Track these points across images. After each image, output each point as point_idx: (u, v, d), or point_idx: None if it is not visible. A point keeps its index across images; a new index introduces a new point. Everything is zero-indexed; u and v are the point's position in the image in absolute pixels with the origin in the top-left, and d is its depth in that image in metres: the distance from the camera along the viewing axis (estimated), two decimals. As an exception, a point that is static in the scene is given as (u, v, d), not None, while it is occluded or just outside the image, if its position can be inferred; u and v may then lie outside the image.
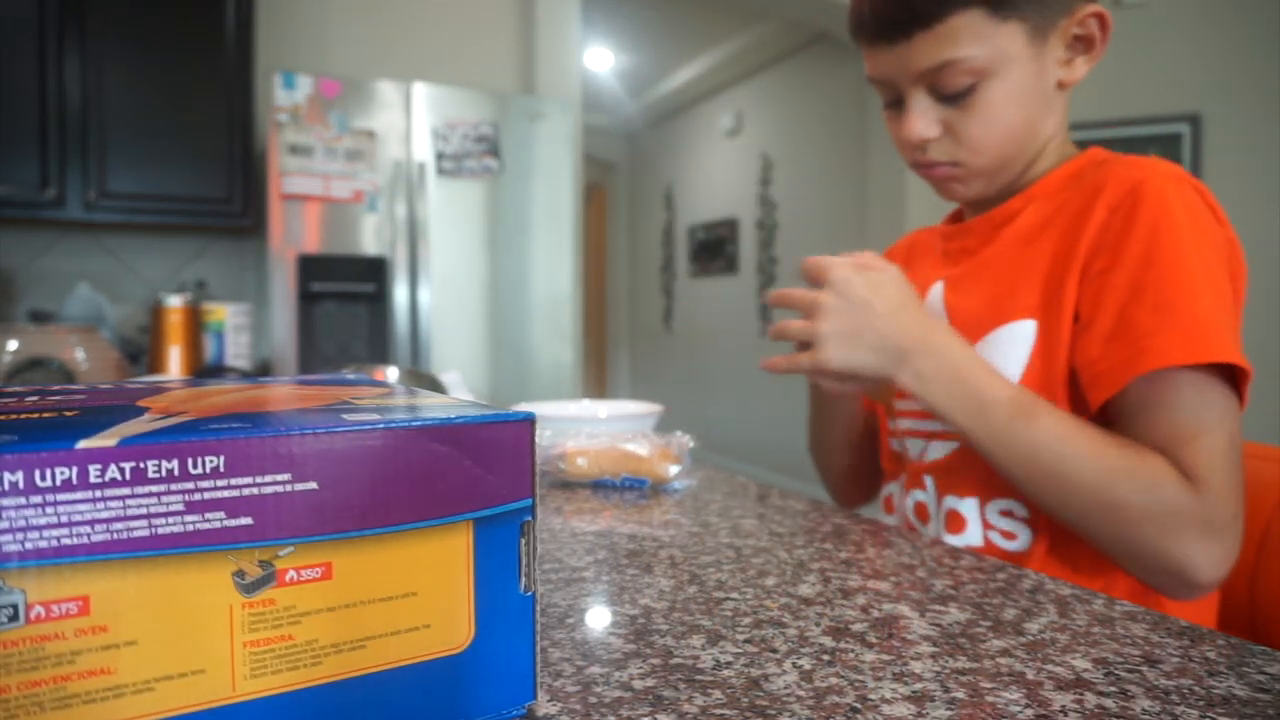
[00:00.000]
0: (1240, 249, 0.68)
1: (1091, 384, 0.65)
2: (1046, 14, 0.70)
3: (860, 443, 0.93)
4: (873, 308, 0.66)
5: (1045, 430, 0.63)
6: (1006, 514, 0.72)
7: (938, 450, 0.77)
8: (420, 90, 2.56)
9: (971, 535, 0.73)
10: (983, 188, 0.76)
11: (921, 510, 0.79)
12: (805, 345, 0.69)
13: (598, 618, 0.44)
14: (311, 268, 2.44)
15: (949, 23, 0.68)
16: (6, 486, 0.23)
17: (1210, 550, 0.59)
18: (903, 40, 0.70)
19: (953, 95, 0.71)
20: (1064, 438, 0.62)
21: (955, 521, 0.74)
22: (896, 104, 0.76)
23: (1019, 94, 0.71)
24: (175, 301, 2.31)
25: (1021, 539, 0.71)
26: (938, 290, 0.81)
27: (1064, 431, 0.63)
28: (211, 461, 0.26)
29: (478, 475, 0.31)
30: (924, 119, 0.73)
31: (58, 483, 0.24)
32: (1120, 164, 0.70)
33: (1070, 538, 0.68)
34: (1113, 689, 0.36)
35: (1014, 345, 0.71)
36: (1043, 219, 0.73)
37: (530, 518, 0.32)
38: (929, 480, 0.78)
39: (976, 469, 0.73)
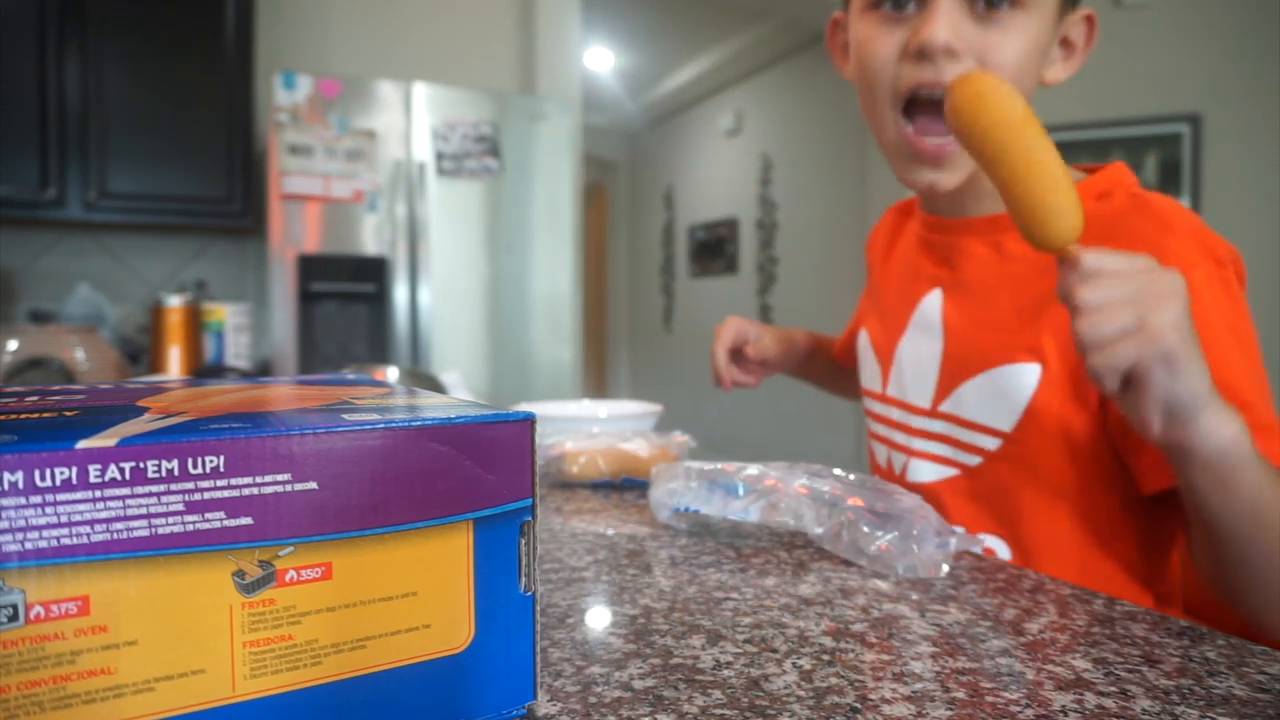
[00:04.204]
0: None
1: (1145, 472, 0.62)
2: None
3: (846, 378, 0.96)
4: (1189, 329, 0.50)
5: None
6: (989, 552, 0.69)
7: (925, 472, 0.74)
8: (420, 90, 2.56)
9: None
10: (964, 171, 0.68)
11: None
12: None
13: (598, 618, 0.44)
14: (311, 268, 2.44)
15: None
16: (6, 486, 0.23)
17: None
18: None
19: (989, 8, 0.64)
20: None
21: None
22: (901, 3, 0.66)
23: (1038, 47, 0.65)
24: (175, 301, 2.31)
25: None
26: (935, 300, 0.76)
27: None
28: (211, 461, 0.26)
29: (478, 475, 0.31)
30: (950, 25, 0.63)
31: (58, 483, 0.24)
32: (1165, 227, 0.62)
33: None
34: (1113, 689, 0.36)
35: (1014, 388, 0.67)
36: None
37: (530, 518, 0.32)
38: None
39: (964, 501, 0.71)
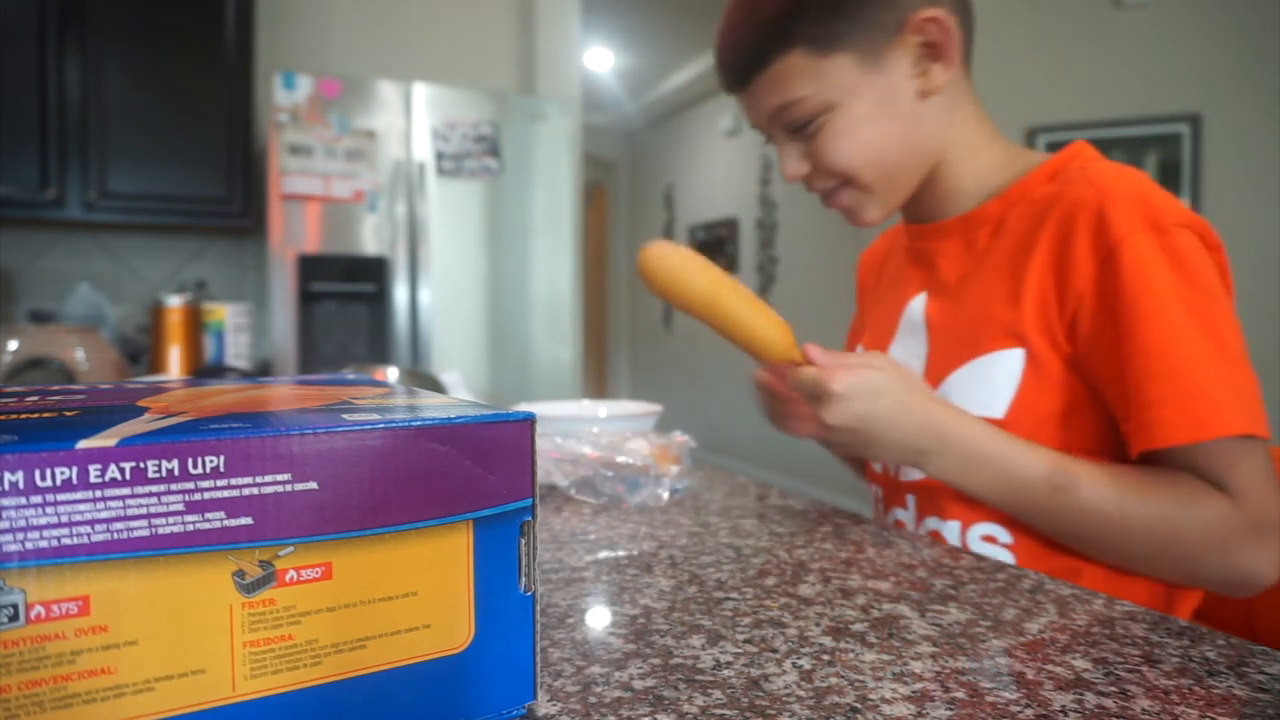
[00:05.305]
0: (1228, 267, 0.67)
1: (1127, 435, 0.65)
2: (872, 38, 0.70)
3: None
4: (874, 421, 0.64)
5: (1090, 495, 0.62)
6: (989, 539, 0.71)
7: (916, 470, 0.75)
8: (420, 90, 2.56)
9: None
10: (883, 206, 0.76)
11: (901, 528, 0.78)
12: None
13: (598, 618, 0.44)
14: (311, 268, 2.44)
15: (775, 67, 0.72)
16: (6, 486, 0.23)
17: (1266, 553, 0.60)
18: (744, 89, 0.76)
19: (803, 131, 0.73)
20: (1109, 498, 0.62)
21: None
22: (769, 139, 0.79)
23: (869, 116, 0.72)
24: (175, 301, 2.31)
25: None
26: (919, 304, 0.79)
27: (1109, 493, 0.62)
28: (211, 461, 0.26)
29: (478, 475, 0.31)
30: (791, 159, 0.75)
31: (58, 483, 0.24)
32: (1104, 196, 0.65)
33: (1051, 564, 0.68)
34: (1113, 689, 0.36)
35: (1001, 375, 0.69)
36: (1024, 234, 0.70)
37: (530, 518, 0.32)
38: (910, 500, 0.77)
39: (959, 492, 0.72)
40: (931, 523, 0.75)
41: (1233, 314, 0.64)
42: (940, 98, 0.73)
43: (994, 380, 0.70)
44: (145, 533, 0.25)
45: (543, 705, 0.34)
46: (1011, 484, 0.64)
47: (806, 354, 0.67)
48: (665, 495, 0.72)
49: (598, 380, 7.35)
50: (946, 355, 0.74)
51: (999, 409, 0.69)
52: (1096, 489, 0.62)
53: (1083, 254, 0.65)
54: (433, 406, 0.33)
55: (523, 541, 0.32)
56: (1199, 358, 0.61)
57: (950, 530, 0.73)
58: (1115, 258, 0.63)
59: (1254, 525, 0.60)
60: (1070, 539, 0.65)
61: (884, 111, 0.72)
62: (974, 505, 0.71)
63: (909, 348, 0.79)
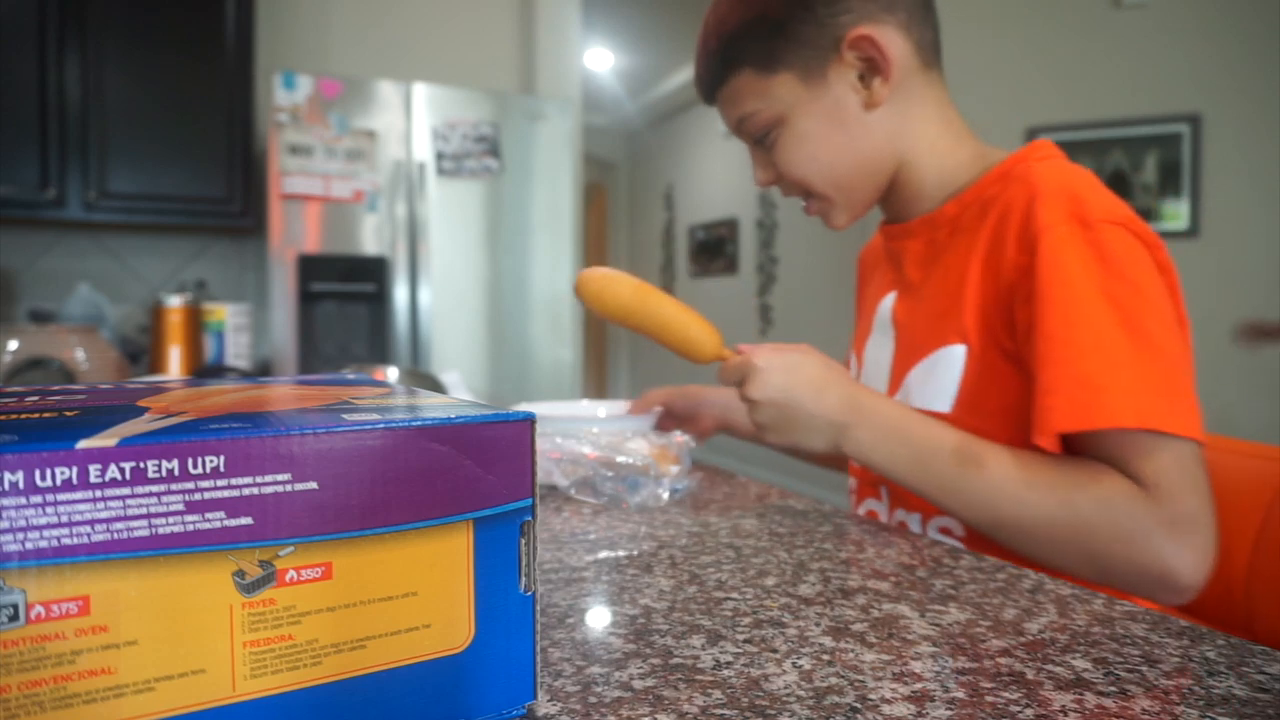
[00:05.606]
0: (1171, 265, 0.66)
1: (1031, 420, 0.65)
2: (812, 56, 0.74)
3: None
4: (796, 393, 0.67)
5: (996, 474, 0.62)
6: (945, 531, 0.72)
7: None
8: (420, 90, 2.56)
9: None
10: (847, 212, 0.79)
11: (874, 518, 0.80)
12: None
13: (598, 618, 0.44)
14: (311, 268, 2.44)
15: (729, 85, 0.77)
16: (7, 486, 0.23)
17: (1181, 550, 0.57)
18: (712, 103, 0.81)
19: (763, 142, 0.78)
20: (1016, 479, 0.61)
21: None
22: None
23: (817, 129, 0.75)
24: (175, 301, 2.31)
25: None
26: (889, 302, 0.82)
27: (1014, 472, 0.62)
28: (211, 461, 0.26)
29: (478, 475, 0.31)
30: (759, 166, 0.81)
31: (58, 483, 0.24)
32: (1035, 194, 0.66)
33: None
34: (1113, 689, 0.36)
35: (947, 370, 0.71)
36: (970, 234, 0.72)
37: (530, 518, 0.32)
38: (884, 492, 0.79)
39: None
40: (900, 515, 0.77)
41: (1165, 310, 0.63)
42: (891, 106, 0.75)
43: (940, 376, 0.71)
44: (145, 533, 0.25)
45: (543, 705, 0.34)
46: (921, 457, 0.65)
47: (738, 350, 0.71)
48: (665, 495, 0.72)
49: (598, 380, 7.35)
50: (908, 353, 0.76)
51: (944, 404, 0.71)
52: (1001, 468, 0.62)
53: (1011, 251, 0.66)
54: (432, 406, 0.33)
55: (523, 541, 0.32)
56: (1105, 348, 0.60)
57: (913, 522, 0.75)
58: (1035, 250, 0.64)
59: (1167, 519, 0.57)
60: (979, 521, 0.64)
61: (831, 124, 0.75)
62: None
63: (880, 345, 0.82)
